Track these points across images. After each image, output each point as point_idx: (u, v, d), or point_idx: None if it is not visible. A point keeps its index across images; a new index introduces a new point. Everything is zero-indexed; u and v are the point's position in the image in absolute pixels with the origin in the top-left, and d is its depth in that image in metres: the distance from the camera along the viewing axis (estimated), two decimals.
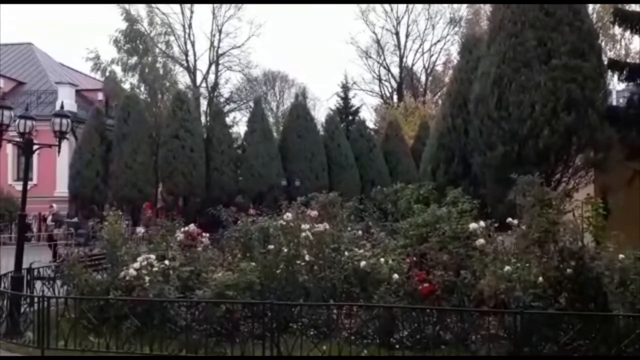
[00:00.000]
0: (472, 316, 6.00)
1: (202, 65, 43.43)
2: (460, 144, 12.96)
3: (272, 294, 6.77)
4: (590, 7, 28.98)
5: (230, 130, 30.85)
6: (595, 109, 10.70)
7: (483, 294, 6.18)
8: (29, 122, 7.45)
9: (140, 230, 20.37)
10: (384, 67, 47.00)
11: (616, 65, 13.00)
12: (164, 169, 25.59)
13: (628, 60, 19.43)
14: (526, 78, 10.79)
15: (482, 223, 6.86)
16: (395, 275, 6.50)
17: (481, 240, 6.57)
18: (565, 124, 10.42)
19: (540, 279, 5.95)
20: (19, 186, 23.56)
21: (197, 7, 44.80)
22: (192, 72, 41.85)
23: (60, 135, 7.59)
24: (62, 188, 26.77)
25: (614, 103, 17.03)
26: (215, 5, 41.93)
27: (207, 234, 8.68)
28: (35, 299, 6.67)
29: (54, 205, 22.78)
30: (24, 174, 7.62)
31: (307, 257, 7.15)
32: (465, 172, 12.61)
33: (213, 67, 43.00)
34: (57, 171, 26.83)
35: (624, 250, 6.22)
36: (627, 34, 20.55)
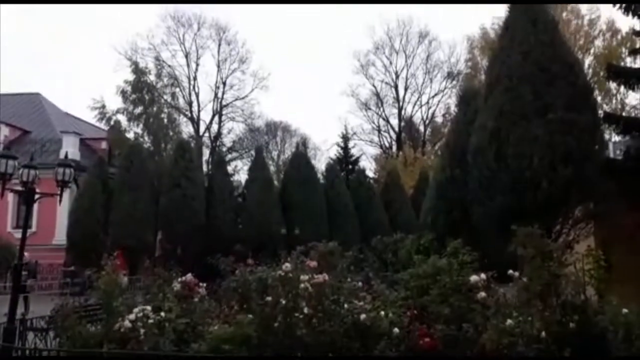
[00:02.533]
0: None
1: (206, 115, 44.37)
2: (459, 194, 13.04)
3: (270, 347, 6.60)
4: (587, 62, 29.90)
5: (231, 179, 31.07)
6: (592, 161, 10.83)
7: (485, 349, 6.03)
8: (32, 172, 7.53)
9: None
10: (383, 119, 47.98)
11: (611, 118, 13.27)
12: (164, 217, 25.58)
13: (623, 114, 19.83)
14: (524, 131, 10.98)
15: (482, 275, 6.78)
16: (396, 330, 6.36)
17: (482, 294, 6.47)
18: (564, 176, 10.52)
19: (543, 333, 5.83)
20: (18, 234, 23.49)
21: (203, 60, 46.36)
22: (195, 122, 42.69)
23: (63, 185, 7.66)
24: (60, 236, 26.66)
25: (612, 155, 17.22)
26: (220, 58, 43.32)
27: (205, 284, 8.56)
28: (27, 352, 6.51)
29: (26, 254, 22.27)
30: (24, 223, 7.64)
31: (305, 310, 7.01)
32: (465, 222, 12.61)
33: (216, 118, 43.90)
34: (57, 219, 26.80)
35: (628, 304, 6.12)
36: (622, 88, 21.06)
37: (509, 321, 6.00)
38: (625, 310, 6.00)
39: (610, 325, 5.90)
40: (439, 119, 46.87)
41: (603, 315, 6.11)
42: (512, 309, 6.43)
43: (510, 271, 6.78)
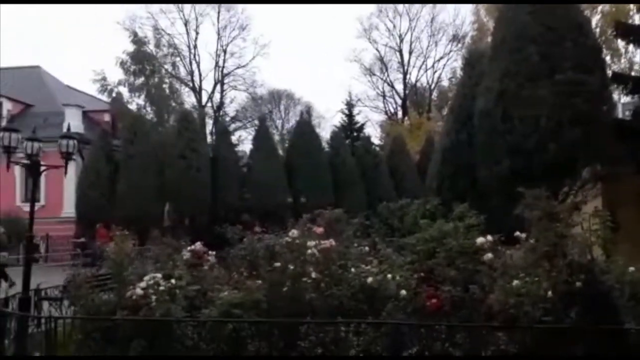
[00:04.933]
0: (482, 332, 5.91)
1: (208, 85, 44.02)
2: (465, 158, 12.96)
3: (279, 312, 6.72)
4: (594, 20, 29.18)
5: (236, 149, 31.06)
6: (600, 122, 10.70)
7: (492, 309, 6.11)
8: (36, 144, 7.54)
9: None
10: (388, 84, 47.40)
11: (620, 78, 13.04)
12: (171, 188, 25.70)
13: (632, 74, 19.47)
14: (530, 92, 10.82)
15: (489, 237, 6.80)
16: (403, 292, 6.44)
17: (489, 255, 6.51)
18: (572, 138, 10.42)
19: (550, 293, 5.88)
20: (27, 207, 23.70)
21: (203, 28, 45.63)
22: (197, 92, 42.39)
23: (67, 157, 7.67)
24: (69, 209, 26.94)
25: (620, 116, 17.00)
26: (220, 25, 42.65)
27: (213, 253, 8.66)
28: (43, 320, 6.66)
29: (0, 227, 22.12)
30: (31, 195, 7.69)
31: (313, 275, 7.10)
32: (471, 186, 12.58)
33: (218, 87, 43.54)
34: (64, 192, 27.03)
35: (634, 263, 6.15)
36: (631, 47, 20.62)
37: (515, 282, 6.05)
38: (631, 269, 6.03)
39: (616, 283, 5.94)
40: (444, 83, 46.29)
41: (609, 274, 6.15)
42: (518, 270, 6.47)
43: (517, 233, 6.79)
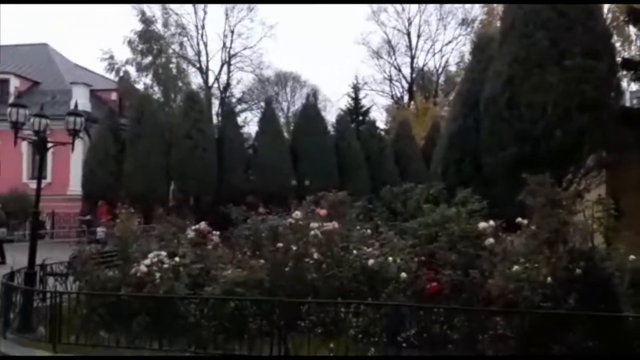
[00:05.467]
0: (480, 316, 5.98)
1: (215, 65, 43.82)
2: (471, 144, 12.88)
3: (281, 292, 6.81)
4: (605, 7, 28.64)
5: (242, 131, 31.05)
6: (608, 109, 10.60)
7: (491, 294, 6.17)
8: (43, 121, 7.58)
9: (101, 230, 20.46)
10: (395, 68, 46.97)
11: (630, 64, 12.86)
12: (176, 168, 25.80)
13: None
14: (539, 78, 10.71)
15: (491, 222, 6.84)
16: (404, 274, 6.51)
17: (490, 240, 6.55)
18: (578, 125, 10.34)
19: (549, 279, 5.92)
20: (33, 184, 23.92)
21: (210, 8, 45.21)
22: (204, 72, 42.21)
23: (74, 134, 7.72)
24: (75, 187, 27.12)
25: (627, 104, 16.84)
26: (228, 6, 42.25)
27: (217, 232, 8.76)
28: (48, 294, 6.78)
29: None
30: (38, 172, 7.76)
31: (315, 256, 7.18)
32: (476, 172, 12.54)
33: (225, 68, 43.34)
34: (70, 170, 27.19)
35: (635, 251, 6.16)
36: None
37: (515, 267, 6.10)
38: (632, 257, 6.05)
39: (616, 271, 5.97)
40: (452, 68, 45.80)
41: (610, 261, 6.17)
42: (519, 256, 6.51)
43: (519, 219, 6.82)
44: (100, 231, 20.37)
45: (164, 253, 7.01)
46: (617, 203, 8.34)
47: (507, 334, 5.82)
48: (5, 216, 19.28)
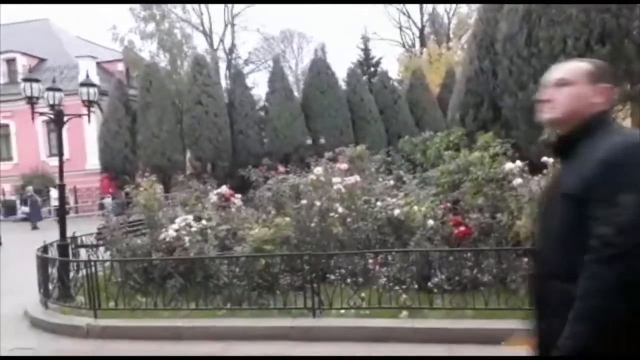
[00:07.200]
0: (509, 257, 5.97)
1: (218, 28, 43.01)
2: (488, 87, 12.56)
3: (308, 247, 6.87)
4: None
5: (251, 92, 30.77)
6: (631, 39, 10.17)
7: (520, 236, 6.13)
8: (57, 94, 7.56)
9: (108, 201, 20.75)
10: (404, 14, 45.54)
11: None
12: (190, 135, 25.85)
13: None
14: (557, 11, 10.28)
15: (518, 162, 6.73)
16: (430, 221, 6.49)
17: (518, 180, 6.46)
18: (600, 57, 9.96)
19: None
20: (52, 161, 24.28)
21: None
22: (208, 35, 41.50)
23: (89, 104, 7.69)
24: (93, 161, 27.43)
25: None
26: None
27: (239, 195, 8.80)
28: (82, 264, 6.95)
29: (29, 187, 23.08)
30: (58, 145, 7.79)
31: (340, 210, 7.20)
32: (496, 116, 12.28)
33: (229, 29, 42.56)
34: (86, 146, 27.43)
35: None
36: None
37: None
38: None
39: None
40: (463, 10, 44.18)
41: None
42: None
43: (544, 158, 6.68)
44: (107, 204, 20.83)
45: (190, 217, 7.08)
46: None
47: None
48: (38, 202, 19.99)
